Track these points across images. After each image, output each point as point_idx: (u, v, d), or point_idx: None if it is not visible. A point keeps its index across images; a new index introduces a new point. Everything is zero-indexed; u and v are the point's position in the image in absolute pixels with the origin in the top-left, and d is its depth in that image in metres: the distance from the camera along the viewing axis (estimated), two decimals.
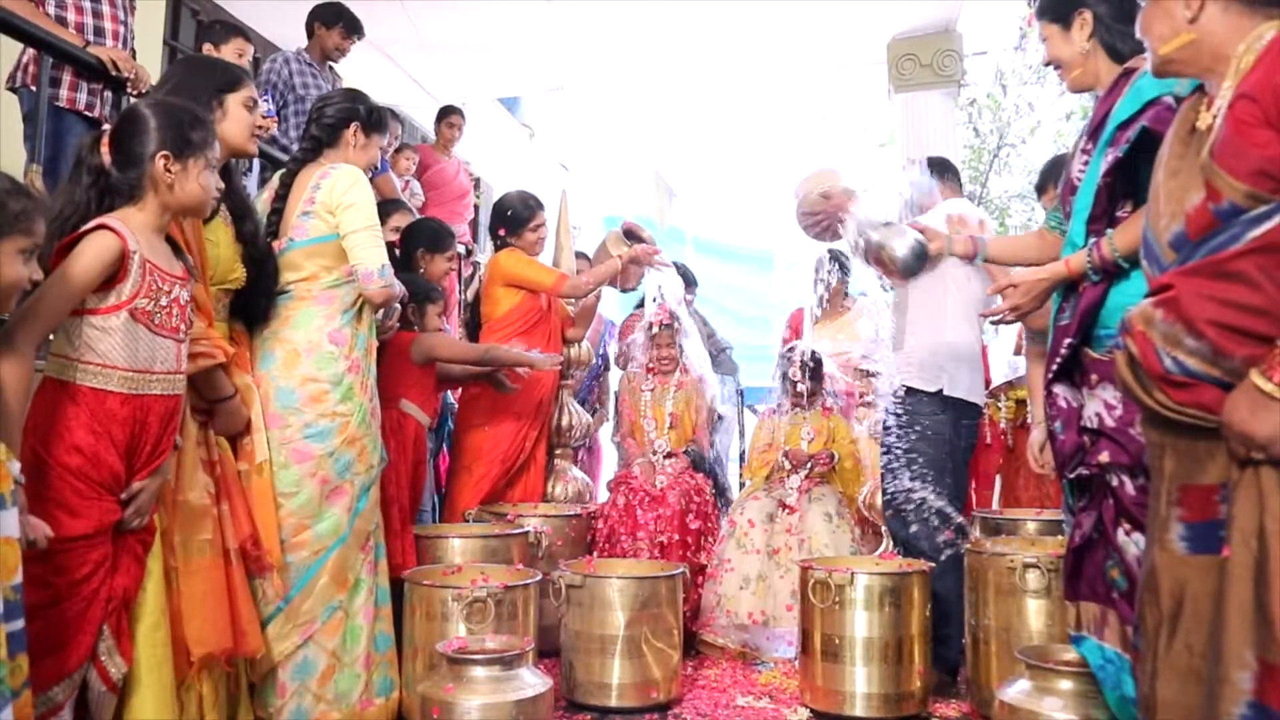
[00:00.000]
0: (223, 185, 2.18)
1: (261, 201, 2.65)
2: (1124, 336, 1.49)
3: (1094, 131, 2.09)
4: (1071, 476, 2.03)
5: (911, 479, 3.05)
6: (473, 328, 3.91)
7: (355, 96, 2.73)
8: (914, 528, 3.01)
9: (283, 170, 2.63)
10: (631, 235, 3.97)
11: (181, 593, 2.08)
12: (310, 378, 2.45)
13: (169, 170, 1.95)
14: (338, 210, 2.47)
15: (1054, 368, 2.04)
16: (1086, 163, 2.08)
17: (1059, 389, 2.05)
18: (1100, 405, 1.97)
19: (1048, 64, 2.31)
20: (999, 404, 3.84)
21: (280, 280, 2.49)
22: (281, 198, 2.56)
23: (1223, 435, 1.36)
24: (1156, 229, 1.54)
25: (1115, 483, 1.93)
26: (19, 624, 1.53)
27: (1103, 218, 2.00)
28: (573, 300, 3.98)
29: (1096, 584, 1.98)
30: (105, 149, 1.96)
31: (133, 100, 2.93)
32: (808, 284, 4.21)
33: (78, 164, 1.99)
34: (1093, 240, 1.99)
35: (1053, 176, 2.85)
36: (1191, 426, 1.42)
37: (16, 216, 1.59)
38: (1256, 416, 1.31)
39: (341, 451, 2.47)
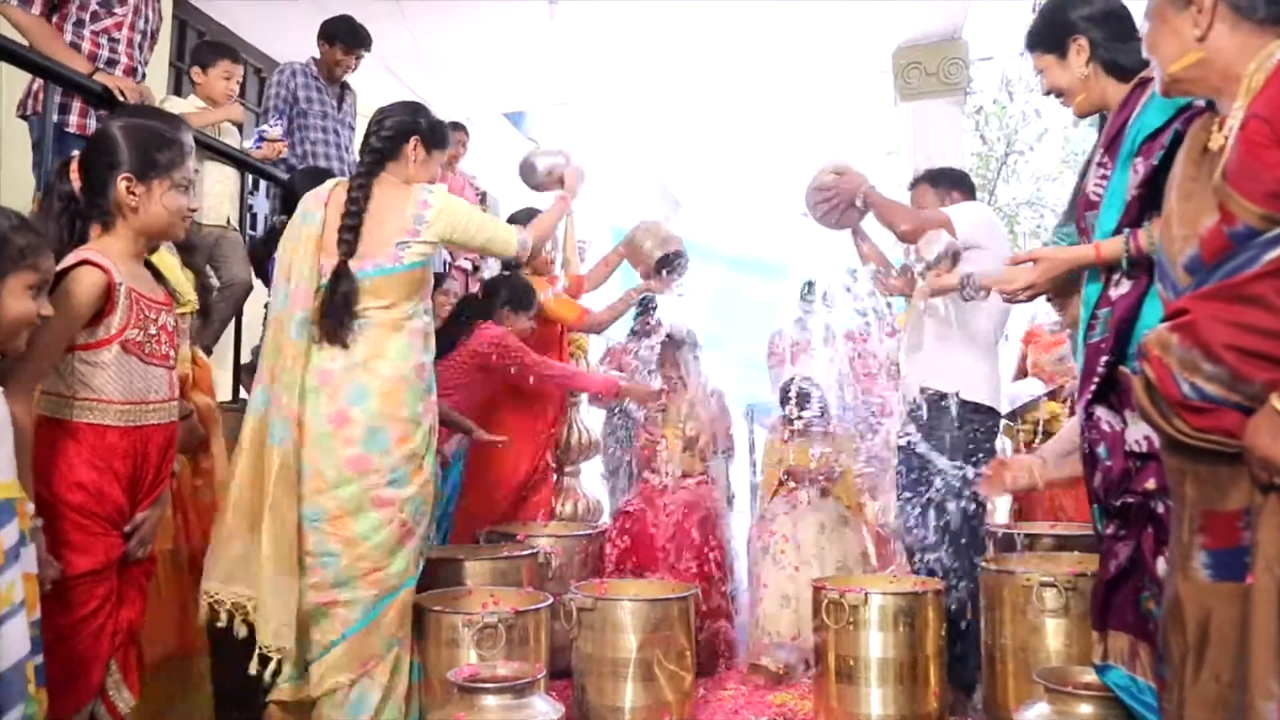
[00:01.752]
0: (195, 207, 2.07)
1: (309, 213, 2.51)
2: (1140, 361, 1.46)
3: (1110, 144, 2.02)
4: (1117, 504, 1.94)
5: (927, 494, 3.03)
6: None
7: (415, 109, 2.62)
8: (930, 547, 2.98)
9: (349, 185, 2.49)
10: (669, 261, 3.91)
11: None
12: (401, 417, 2.40)
13: (132, 193, 1.91)
14: (460, 232, 2.48)
15: (1092, 389, 1.96)
16: (1104, 176, 2.01)
17: (1100, 411, 1.97)
18: (1147, 428, 1.83)
19: (1049, 93, 2.24)
20: (1017, 426, 3.80)
21: (358, 303, 2.40)
22: (355, 214, 2.43)
23: (1245, 461, 1.34)
24: (1170, 252, 1.51)
25: (1160, 509, 1.84)
26: (40, 658, 1.56)
27: (1123, 224, 1.95)
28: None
29: (1126, 614, 1.92)
30: (74, 174, 1.93)
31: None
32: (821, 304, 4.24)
33: (48, 191, 1.96)
34: (1128, 230, 1.91)
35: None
36: (1212, 452, 1.39)
37: (22, 252, 1.59)
38: (1279, 441, 1.28)
39: (417, 496, 2.45)
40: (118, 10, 3.21)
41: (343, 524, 2.36)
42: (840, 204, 3.14)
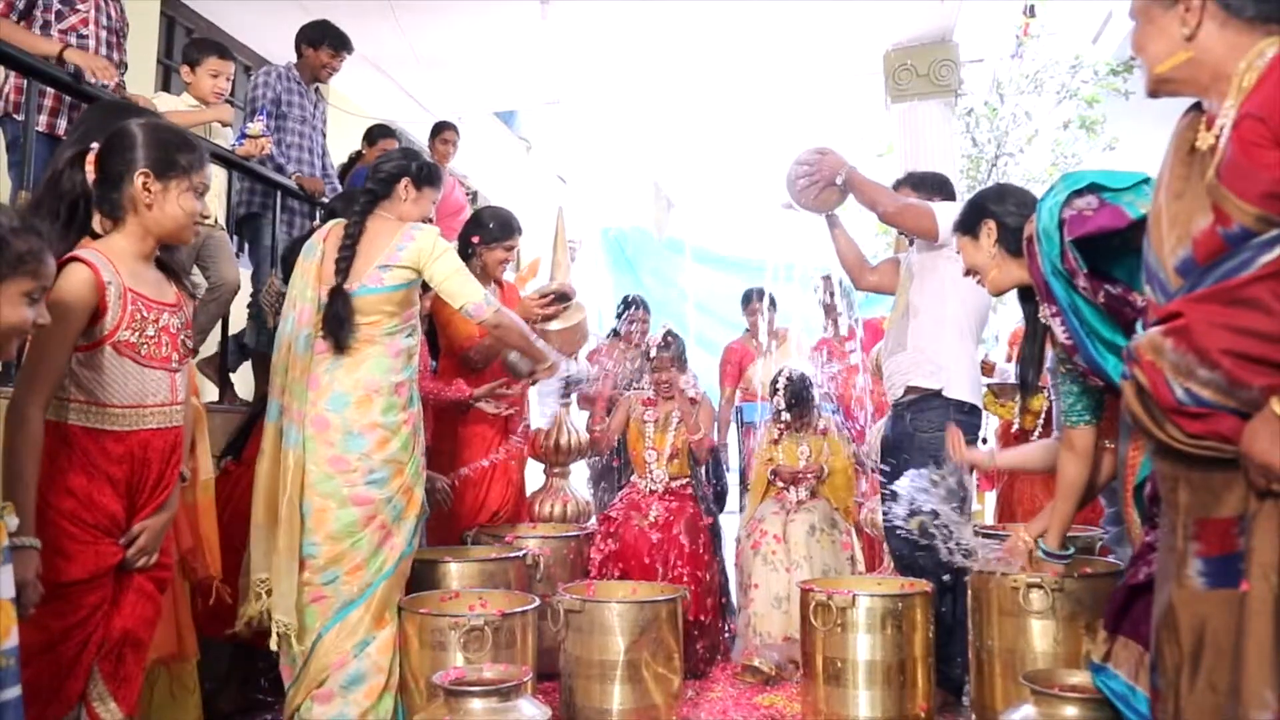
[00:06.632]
0: (207, 214, 2.13)
1: (311, 247, 2.72)
2: (1131, 366, 1.44)
3: (1046, 296, 2.08)
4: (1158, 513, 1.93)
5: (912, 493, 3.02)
6: (431, 347, 3.65)
7: (409, 154, 2.85)
8: (916, 549, 2.97)
9: (346, 222, 2.70)
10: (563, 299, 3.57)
11: None
12: (379, 424, 2.56)
13: (148, 189, 1.88)
14: (427, 265, 2.62)
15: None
16: (1064, 320, 2.05)
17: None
18: None
19: (967, 274, 2.47)
20: (1001, 401, 3.75)
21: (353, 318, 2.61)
22: (350, 245, 2.65)
23: (1241, 466, 1.32)
24: (1160, 253, 1.48)
25: None
26: (15, 691, 1.47)
27: (1126, 315, 1.94)
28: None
29: (1141, 625, 1.86)
30: (90, 165, 1.89)
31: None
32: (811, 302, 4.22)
33: (51, 182, 1.91)
34: (1128, 346, 1.91)
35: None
36: (1206, 458, 1.37)
37: (21, 257, 1.51)
38: (1278, 447, 1.26)
39: (398, 499, 2.58)
40: (80, 7, 3.19)
41: (324, 518, 2.52)
42: (820, 181, 3.11)
